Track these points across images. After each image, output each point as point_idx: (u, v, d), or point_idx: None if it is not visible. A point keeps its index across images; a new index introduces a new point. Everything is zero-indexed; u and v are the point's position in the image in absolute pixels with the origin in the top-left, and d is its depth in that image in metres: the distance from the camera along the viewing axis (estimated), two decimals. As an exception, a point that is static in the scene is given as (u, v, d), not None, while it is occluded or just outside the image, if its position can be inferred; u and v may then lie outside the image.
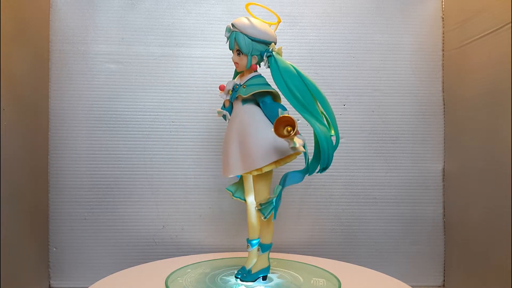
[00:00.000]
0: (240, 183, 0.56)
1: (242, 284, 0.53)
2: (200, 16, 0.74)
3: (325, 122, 0.49)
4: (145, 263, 0.64)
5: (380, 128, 0.75)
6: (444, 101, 0.75)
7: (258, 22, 0.51)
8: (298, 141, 0.45)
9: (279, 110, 0.48)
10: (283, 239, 0.74)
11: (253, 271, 0.53)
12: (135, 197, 0.73)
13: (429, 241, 0.75)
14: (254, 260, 0.54)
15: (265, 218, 0.50)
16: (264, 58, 0.50)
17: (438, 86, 0.75)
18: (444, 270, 0.75)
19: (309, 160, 0.50)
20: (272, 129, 0.44)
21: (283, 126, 0.44)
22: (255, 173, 0.50)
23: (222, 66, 0.73)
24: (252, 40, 0.50)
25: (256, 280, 0.53)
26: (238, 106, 0.52)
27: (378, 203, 0.75)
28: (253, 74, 0.52)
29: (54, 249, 0.72)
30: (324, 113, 0.50)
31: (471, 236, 0.66)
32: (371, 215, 0.75)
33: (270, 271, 0.55)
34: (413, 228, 0.75)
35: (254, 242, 0.55)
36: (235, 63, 0.52)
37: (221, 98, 0.55)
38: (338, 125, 0.75)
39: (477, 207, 0.65)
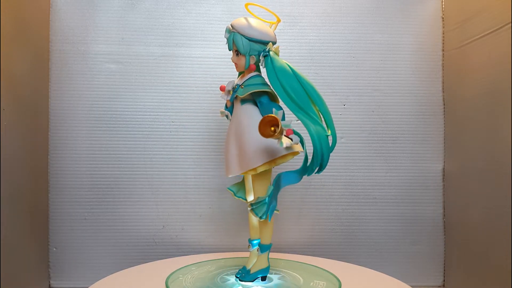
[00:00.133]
0: (242, 183, 0.56)
1: (240, 284, 0.53)
2: (200, 16, 0.74)
3: (322, 122, 0.49)
4: (145, 263, 0.64)
5: (380, 128, 0.75)
6: (444, 101, 0.75)
7: (256, 22, 0.51)
8: (286, 141, 0.45)
9: (273, 110, 0.48)
10: (283, 239, 0.74)
11: (251, 271, 0.53)
12: (135, 197, 0.73)
13: (429, 241, 0.75)
14: (254, 260, 0.54)
15: (260, 218, 0.50)
16: (261, 58, 0.50)
17: (438, 86, 0.75)
18: (444, 270, 0.75)
19: (308, 161, 0.50)
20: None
21: (269, 126, 0.44)
22: (251, 173, 0.50)
23: (222, 66, 0.73)
24: (249, 40, 0.50)
25: (254, 280, 0.53)
26: (237, 106, 0.53)
27: (378, 203, 0.75)
28: (252, 74, 0.52)
29: (54, 249, 0.72)
30: (321, 113, 0.49)
31: (471, 236, 0.66)
32: (371, 215, 0.75)
33: (270, 271, 0.55)
34: (413, 228, 0.75)
35: (255, 242, 0.55)
36: (235, 63, 0.53)
37: (222, 99, 0.55)
38: (338, 125, 0.75)
39: (477, 207, 0.65)
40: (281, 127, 0.44)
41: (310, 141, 0.48)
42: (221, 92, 0.54)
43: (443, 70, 0.75)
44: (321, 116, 0.49)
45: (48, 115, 0.72)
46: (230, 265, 0.61)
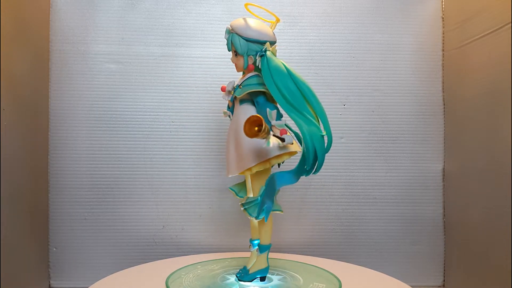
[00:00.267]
0: (243, 183, 0.56)
1: (237, 284, 0.53)
2: (200, 16, 0.74)
3: (317, 122, 0.48)
4: (145, 263, 0.64)
5: (380, 128, 0.75)
6: (444, 101, 0.75)
7: (254, 22, 0.51)
8: (273, 141, 0.45)
9: (267, 109, 0.48)
10: (283, 239, 0.74)
11: (250, 271, 0.53)
12: (135, 197, 0.73)
13: (429, 241, 0.75)
14: (254, 260, 0.54)
15: (256, 218, 0.50)
16: (257, 57, 0.50)
17: (438, 86, 0.75)
18: (444, 270, 0.75)
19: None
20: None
21: (253, 126, 0.44)
22: (248, 173, 0.51)
23: (222, 66, 0.73)
24: (246, 40, 0.50)
25: (253, 280, 0.53)
26: (237, 107, 0.53)
27: (378, 203, 0.75)
28: (251, 74, 0.52)
29: (54, 249, 0.72)
30: (316, 113, 0.49)
31: (471, 236, 0.66)
32: (371, 215, 0.75)
33: (270, 271, 0.55)
34: (413, 228, 0.75)
35: (255, 242, 0.54)
36: (234, 64, 0.53)
37: (224, 99, 0.55)
38: (338, 125, 0.75)
39: (477, 207, 0.65)
40: (266, 127, 0.44)
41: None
42: (223, 92, 0.55)
43: (443, 70, 0.75)
44: (317, 116, 0.49)
45: (48, 115, 0.72)
46: (229, 265, 0.61)
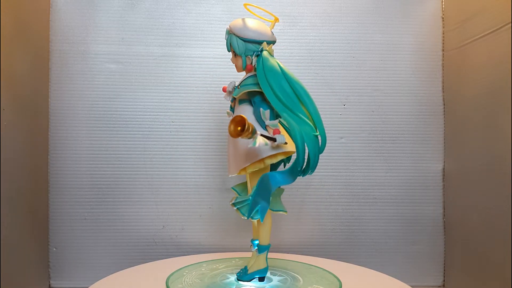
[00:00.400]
0: (246, 183, 0.56)
1: (237, 284, 0.53)
2: (200, 16, 0.74)
3: (311, 122, 0.48)
4: (145, 263, 0.64)
5: (380, 128, 0.75)
6: (444, 101, 0.75)
7: (251, 22, 0.51)
8: (260, 140, 0.45)
9: (261, 109, 0.49)
10: (283, 239, 0.74)
11: (249, 271, 0.53)
12: (135, 197, 0.73)
13: (429, 241, 0.75)
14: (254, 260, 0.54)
15: (247, 218, 0.50)
16: (253, 57, 0.51)
17: (438, 86, 0.75)
18: (444, 270, 0.75)
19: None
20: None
21: (237, 126, 0.44)
22: (243, 173, 0.51)
23: (222, 66, 0.73)
24: (244, 41, 0.50)
25: (251, 280, 0.53)
26: (237, 107, 0.53)
27: (378, 203, 0.75)
28: (249, 74, 0.52)
29: (54, 249, 0.72)
30: (310, 113, 0.49)
31: (471, 236, 0.66)
32: (371, 215, 0.75)
33: (270, 271, 0.55)
34: (413, 228, 0.75)
35: (256, 242, 0.54)
36: (234, 64, 0.53)
37: (226, 100, 0.56)
38: (338, 125, 0.75)
39: (477, 207, 0.65)
40: (251, 127, 0.44)
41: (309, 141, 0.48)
42: (224, 93, 0.55)
43: (443, 70, 0.75)
44: (311, 116, 0.49)
45: (48, 115, 0.72)
46: (235, 265, 0.61)
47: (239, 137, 0.44)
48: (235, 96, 0.52)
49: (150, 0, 0.73)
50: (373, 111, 0.75)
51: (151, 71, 0.73)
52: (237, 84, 0.53)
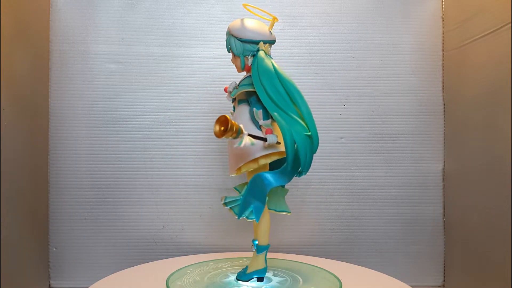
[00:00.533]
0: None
1: (235, 283, 0.53)
2: (200, 16, 0.74)
3: (303, 122, 0.48)
4: (145, 263, 0.64)
5: (380, 128, 0.75)
6: (444, 101, 0.75)
7: (249, 23, 0.51)
8: (246, 140, 0.45)
9: (254, 109, 0.49)
10: (283, 239, 0.74)
11: (248, 271, 0.53)
12: (135, 197, 0.73)
13: (429, 241, 0.75)
14: (254, 260, 0.54)
15: (238, 217, 0.50)
16: (249, 57, 0.51)
17: (438, 86, 0.75)
18: (444, 270, 0.75)
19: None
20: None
21: (221, 126, 0.44)
22: (239, 173, 0.51)
23: (222, 66, 0.73)
24: (241, 41, 0.51)
25: (249, 280, 0.53)
26: (237, 107, 0.54)
27: (378, 203, 0.75)
28: (247, 74, 0.52)
29: (54, 249, 0.72)
30: (302, 113, 0.49)
31: (471, 236, 0.66)
32: (371, 215, 0.75)
33: (270, 272, 0.55)
34: (413, 228, 0.75)
35: (256, 242, 0.54)
36: (234, 64, 0.53)
37: (227, 100, 0.56)
38: (338, 125, 0.75)
39: (477, 207, 0.65)
40: (234, 127, 0.44)
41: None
42: (226, 93, 0.55)
43: (443, 70, 0.75)
44: (303, 116, 0.49)
45: (48, 115, 0.72)
46: (229, 265, 0.61)
47: (223, 137, 0.44)
48: (233, 96, 0.53)
49: (150, 0, 0.73)
50: (373, 111, 0.75)
51: (151, 71, 0.73)
52: (237, 84, 0.54)
